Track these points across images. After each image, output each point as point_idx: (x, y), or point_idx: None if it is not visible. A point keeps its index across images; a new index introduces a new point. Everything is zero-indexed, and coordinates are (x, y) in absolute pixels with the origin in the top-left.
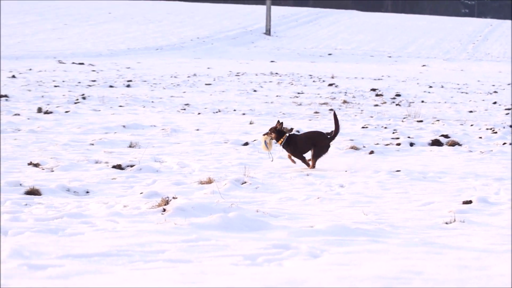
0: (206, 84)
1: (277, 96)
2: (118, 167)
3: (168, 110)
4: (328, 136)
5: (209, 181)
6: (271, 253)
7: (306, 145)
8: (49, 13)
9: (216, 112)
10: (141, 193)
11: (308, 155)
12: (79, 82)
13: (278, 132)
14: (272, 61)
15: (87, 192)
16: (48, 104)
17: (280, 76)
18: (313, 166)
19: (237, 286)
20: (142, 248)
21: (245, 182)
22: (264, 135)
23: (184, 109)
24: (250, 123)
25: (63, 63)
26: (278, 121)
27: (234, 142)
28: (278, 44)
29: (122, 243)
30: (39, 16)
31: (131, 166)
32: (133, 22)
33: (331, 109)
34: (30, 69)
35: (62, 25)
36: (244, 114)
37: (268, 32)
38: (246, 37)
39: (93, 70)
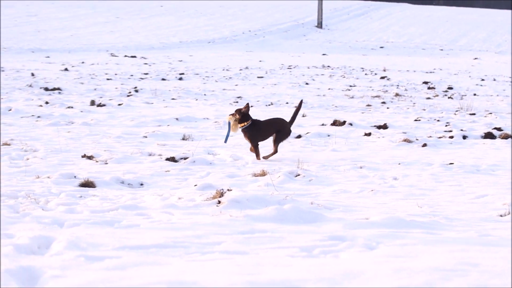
0: (258, 77)
1: (329, 89)
2: (172, 159)
3: (220, 103)
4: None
5: (263, 174)
6: (327, 245)
7: (269, 131)
8: (101, 6)
9: (269, 105)
10: (195, 185)
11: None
12: (132, 75)
13: (243, 114)
14: (323, 54)
15: (141, 184)
16: (101, 97)
17: (332, 69)
18: (276, 151)
19: (294, 277)
20: (199, 240)
21: (299, 175)
22: (230, 115)
23: (237, 102)
24: (303, 116)
25: (116, 56)
26: (247, 104)
27: None
28: (330, 37)
29: (179, 235)
30: (91, 9)
31: (185, 158)
32: (185, 15)
33: (383, 102)
34: (83, 62)
35: (114, 18)
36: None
37: (319, 25)
38: (298, 30)
39: (145, 63)
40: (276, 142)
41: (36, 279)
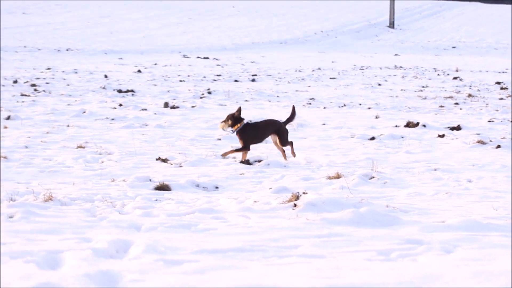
0: (330, 78)
1: (401, 89)
2: (246, 162)
3: (293, 104)
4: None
5: (337, 176)
6: (405, 249)
7: (266, 132)
8: (174, 7)
9: (342, 106)
10: (270, 188)
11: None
12: (204, 77)
13: (235, 119)
14: (396, 55)
15: (217, 187)
16: (174, 99)
17: (404, 69)
18: (293, 153)
19: (373, 281)
20: (276, 244)
21: (373, 177)
22: (222, 122)
23: (310, 104)
24: (376, 117)
25: (188, 57)
26: (239, 107)
27: (361, 137)
28: (402, 37)
29: (256, 239)
30: (163, 10)
31: (259, 161)
32: (257, 16)
33: (456, 103)
34: (155, 64)
35: (187, 19)
36: (369, 108)
37: (391, 25)
38: (370, 31)
39: (218, 65)
40: (288, 143)
41: (115, 283)
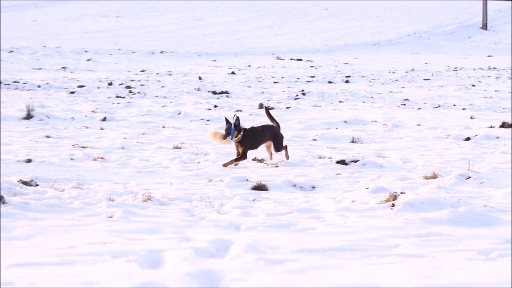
0: (424, 79)
1: (495, 90)
2: (342, 162)
3: (388, 105)
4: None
5: (434, 176)
6: (504, 248)
7: (264, 138)
8: (266, 10)
9: (436, 107)
10: (367, 188)
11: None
12: (298, 78)
13: (237, 129)
14: (489, 56)
15: (313, 187)
16: (268, 100)
17: (498, 70)
18: (288, 156)
19: (473, 281)
20: (375, 243)
21: (470, 177)
22: (223, 138)
23: (404, 104)
24: (471, 118)
25: (281, 59)
26: (237, 118)
27: (456, 137)
28: (495, 38)
29: (355, 238)
30: (256, 13)
31: (355, 161)
32: (350, 18)
33: None
34: (249, 66)
35: (280, 22)
36: (464, 109)
37: (484, 26)
38: (463, 32)
39: (311, 66)
40: (282, 148)
41: (217, 282)
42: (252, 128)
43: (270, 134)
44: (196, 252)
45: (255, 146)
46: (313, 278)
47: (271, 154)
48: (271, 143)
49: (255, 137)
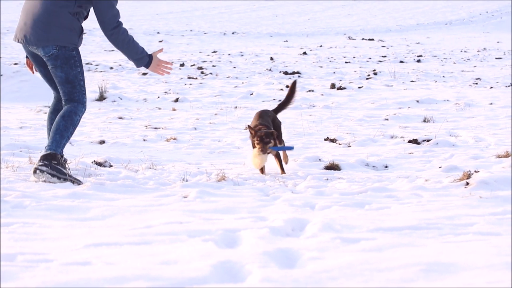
0: (496, 58)
1: None
2: (414, 141)
3: (460, 84)
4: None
5: (507, 155)
6: None
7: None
8: None
9: (508, 86)
10: (440, 167)
11: None
12: (370, 58)
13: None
14: None
15: (386, 166)
16: (340, 80)
17: None
18: (286, 159)
19: None
20: (451, 221)
21: None
22: (260, 151)
23: (476, 83)
24: None
25: (353, 39)
26: (273, 131)
27: None
28: None
29: (430, 216)
30: None
31: (427, 140)
32: None
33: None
34: (321, 46)
35: (352, 1)
36: None
37: None
38: None
39: (383, 46)
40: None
41: (294, 260)
42: (264, 120)
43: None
44: (272, 231)
45: None
46: (390, 256)
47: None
48: None
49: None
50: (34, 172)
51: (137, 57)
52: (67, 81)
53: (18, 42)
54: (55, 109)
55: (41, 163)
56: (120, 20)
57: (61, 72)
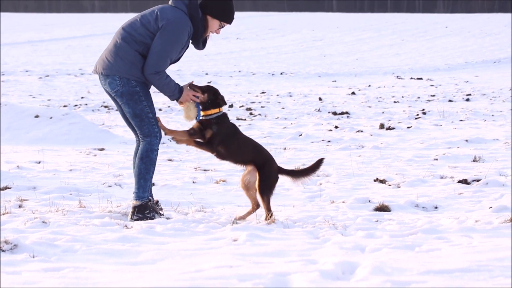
0: None
1: None
2: (464, 181)
3: (509, 123)
4: None
5: None
6: None
7: (246, 148)
8: (386, 29)
9: None
10: (490, 207)
11: None
12: (418, 97)
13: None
14: None
15: (436, 207)
16: (389, 120)
17: None
18: (269, 213)
19: None
20: (501, 263)
21: None
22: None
23: None
24: None
25: (401, 78)
26: (212, 89)
27: None
28: None
29: (481, 258)
30: (375, 32)
31: (477, 180)
32: (470, 36)
33: None
34: (369, 86)
35: (399, 41)
36: None
37: None
38: None
39: (432, 85)
40: (264, 189)
41: None
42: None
43: (255, 152)
44: (323, 275)
45: (230, 149)
46: None
47: (254, 197)
48: (255, 173)
49: (234, 133)
50: (131, 219)
51: (169, 95)
52: (135, 115)
53: (93, 72)
54: (136, 153)
55: (135, 217)
56: (159, 71)
57: (129, 107)
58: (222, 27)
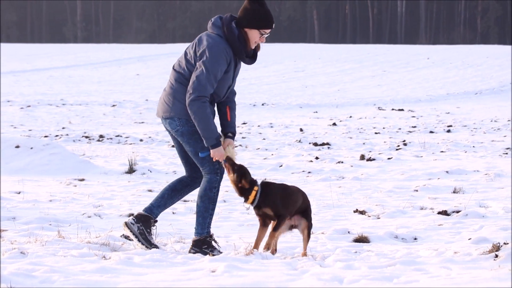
0: None
1: None
2: (444, 213)
3: (490, 154)
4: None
5: None
6: None
7: (297, 201)
8: (368, 60)
9: None
10: (469, 239)
11: None
12: (400, 128)
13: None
14: None
15: (415, 238)
16: (370, 151)
17: None
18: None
19: None
20: None
21: None
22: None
23: (506, 153)
24: None
25: (383, 109)
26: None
27: None
28: None
29: None
30: (357, 63)
31: (457, 212)
32: (452, 67)
33: None
34: (350, 117)
35: (381, 72)
36: None
37: None
38: None
39: (413, 116)
40: (309, 230)
41: None
42: (274, 183)
43: (303, 200)
44: None
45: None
46: None
47: (306, 239)
48: (301, 219)
49: (285, 189)
50: (189, 251)
51: (204, 135)
52: (196, 154)
53: (156, 115)
54: (179, 180)
55: (193, 251)
56: (200, 95)
57: (190, 146)
58: (264, 34)
